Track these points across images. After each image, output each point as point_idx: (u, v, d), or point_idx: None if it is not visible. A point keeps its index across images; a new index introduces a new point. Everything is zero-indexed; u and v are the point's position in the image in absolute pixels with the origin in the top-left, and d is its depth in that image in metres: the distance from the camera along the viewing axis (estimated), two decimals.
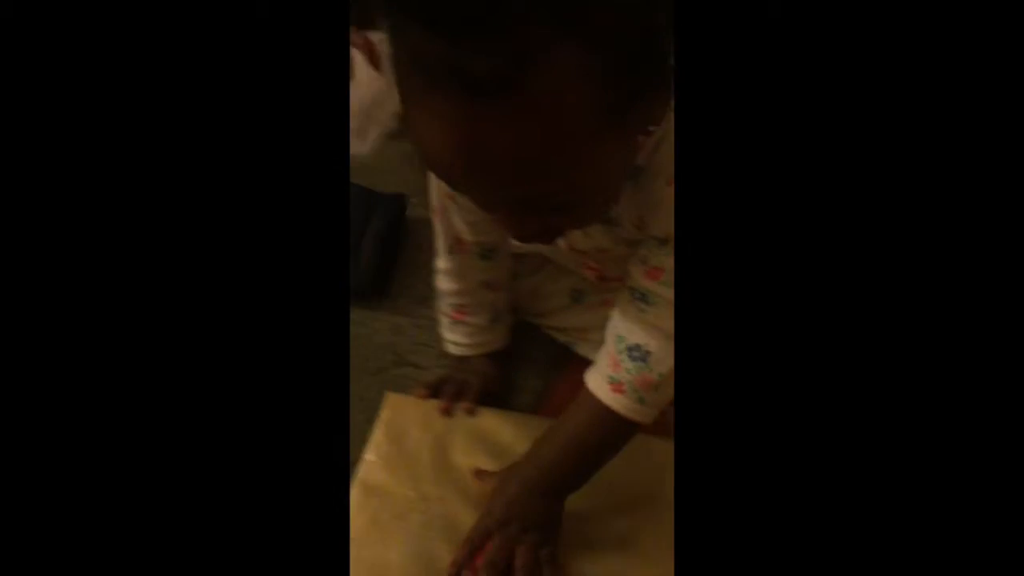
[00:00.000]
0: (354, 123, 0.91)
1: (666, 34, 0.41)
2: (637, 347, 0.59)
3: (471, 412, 0.74)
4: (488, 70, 0.36)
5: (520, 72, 0.37)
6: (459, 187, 0.46)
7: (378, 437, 0.72)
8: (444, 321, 0.78)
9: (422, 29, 0.37)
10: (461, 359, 0.78)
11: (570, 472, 0.62)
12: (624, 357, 0.59)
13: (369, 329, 0.84)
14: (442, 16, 0.36)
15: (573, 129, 0.40)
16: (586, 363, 0.77)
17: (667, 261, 0.56)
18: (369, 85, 1.03)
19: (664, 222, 0.55)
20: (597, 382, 0.61)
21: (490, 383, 0.76)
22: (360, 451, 0.71)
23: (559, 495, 0.62)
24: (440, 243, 0.72)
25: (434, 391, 0.76)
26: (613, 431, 0.61)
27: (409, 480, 0.69)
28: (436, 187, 0.67)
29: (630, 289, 0.60)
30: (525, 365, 0.81)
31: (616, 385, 0.59)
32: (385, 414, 0.74)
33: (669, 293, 0.57)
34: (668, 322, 0.57)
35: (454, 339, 0.77)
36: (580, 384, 0.76)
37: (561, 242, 0.66)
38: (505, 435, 0.73)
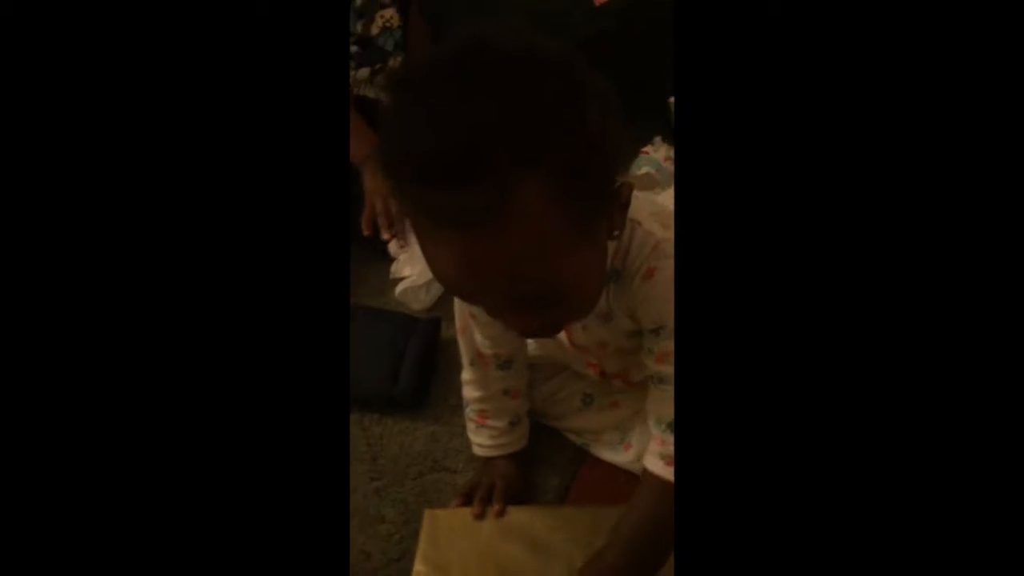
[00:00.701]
0: (420, 280, 1.07)
1: (616, 154, 0.53)
2: (672, 423, 0.68)
3: (501, 514, 0.83)
4: (476, 207, 0.47)
5: (501, 203, 0.47)
6: (470, 299, 0.57)
7: (425, 549, 0.80)
8: (470, 426, 0.89)
9: (419, 185, 0.49)
10: (487, 461, 0.88)
11: (650, 552, 0.70)
12: (667, 434, 0.69)
13: (410, 438, 0.96)
14: (432, 173, 0.47)
15: (549, 239, 0.50)
16: (600, 462, 0.88)
17: (667, 344, 0.66)
18: None
19: (652, 313, 0.66)
20: (652, 462, 0.70)
21: (513, 482, 0.86)
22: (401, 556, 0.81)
23: None
24: (464, 357, 0.84)
25: (467, 499, 0.86)
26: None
27: None
28: (459, 309, 0.81)
29: (649, 377, 0.70)
30: (544, 466, 0.90)
31: (668, 460, 0.68)
32: (427, 527, 0.82)
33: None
34: None
35: (479, 441, 0.88)
36: (596, 481, 0.86)
37: (564, 339, 0.77)
38: (540, 528, 0.81)
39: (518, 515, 0.83)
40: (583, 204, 0.52)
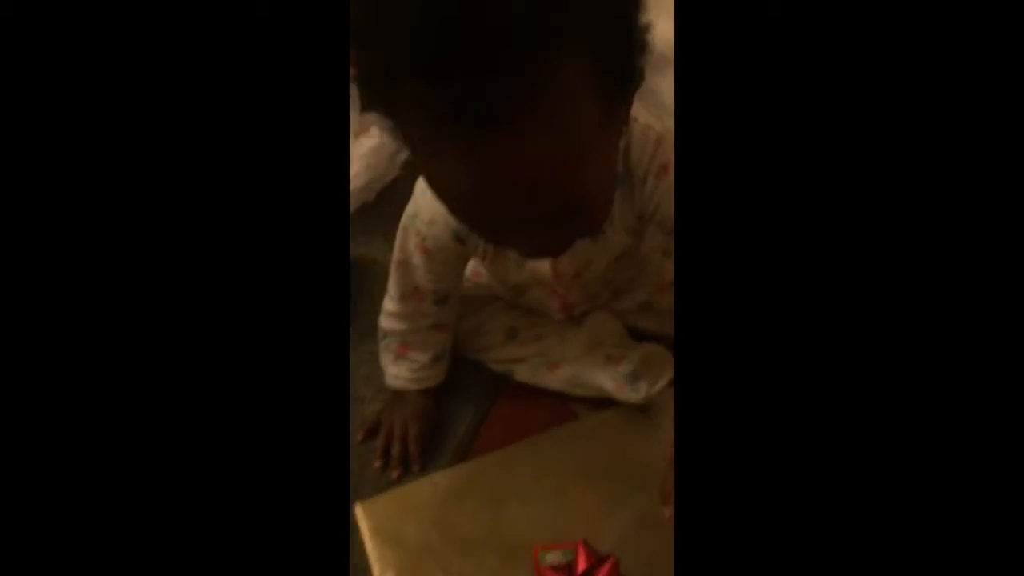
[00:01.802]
0: None
1: (643, 31, 0.43)
2: None
3: (419, 469, 0.79)
4: (498, 101, 0.37)
5: (532, 95, 0.38)
6: (474, 217, 0.48)
7: (380, 552, 0.71)
8: (387, 356, 0.82)
9: (415, 75, 0.38)
10: (397, 393, 0.83)
11: None
12: None
13: None
14: (438, 59, 0.37)
15: (581, 137, 0.42)
16: (518, 392, 0.86)
17: None
18: None
19: (671, 214, 0.60)
20: None
21: (427, 418, 0.82)
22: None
23: None
24: (394, 289, 0.77)
25: (370, 433, 0.81)
26: None
27: (439, 570, 0.70)
28: (404, 240, 0.73)
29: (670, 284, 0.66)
30: (459, 397, 0.87)
31: None
32: (367, 525, 0.73)
33: None
34: None
35: (396, 373, 0.82)
36: (515, 410, 0.85)
37: (545, 265, 0.71)
38: (491, 480, 0.76)
39: (461, 472, 0.78)
40: (615, 91, 0.43)
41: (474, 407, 0.86)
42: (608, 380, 0.79)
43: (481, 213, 0.47)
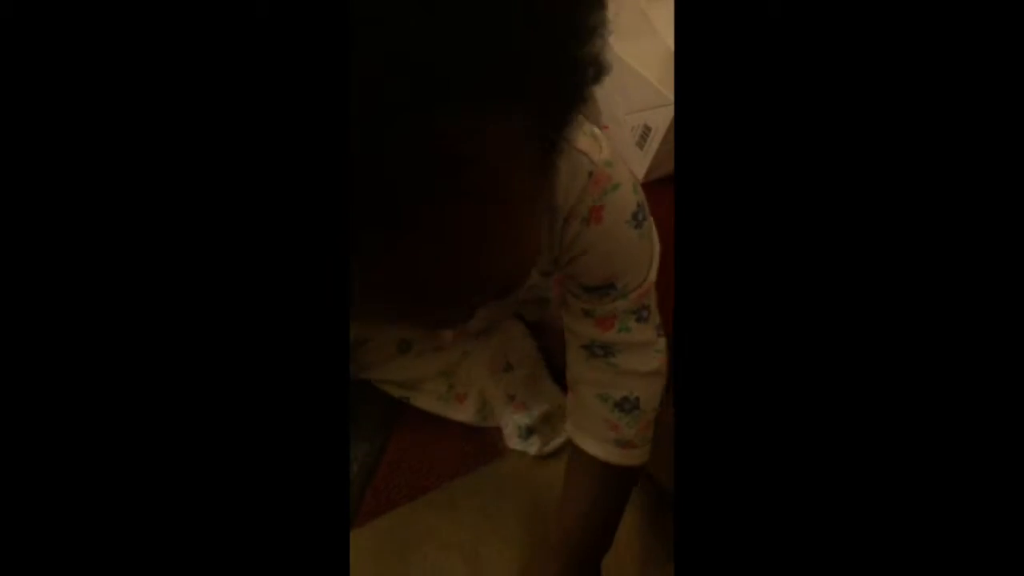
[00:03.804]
0: None
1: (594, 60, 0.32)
2: (625, 400, 0.54)
3: None
4: (413, 191, 0.28)
5: (453, 180, 0.28)
6: (382, 310, 0.37)
7: None
8: None
9: None
10: None
11: (601, 544, 0.58)
12: (618, 415, 0.55)
13: None
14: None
15: (520, 203, 0.32)
16: (418, 421, 0.72)
17: (612, 306, 0.51)
18: None
19: (602, 267, 0.49)
20: (607, 450, 0.55)
21: None
22: None
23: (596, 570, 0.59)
24: None
25: None
26: (627, 482, 0.58)
27: None
28: None
29: (585, 348, 0.54)
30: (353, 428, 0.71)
31: (626, 444, 0.55)
32: None
33: (630, 336, 0.52)
34: (638, 361, 0.54)
35: None
36: (418, 443, 0.71)
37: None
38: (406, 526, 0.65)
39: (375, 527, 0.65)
40: (553, 141, 0.33)
41: (367, 442, 0.71)
42: (506, 423, 0.71)
43: (385, 303, 0.35)
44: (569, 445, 0.59)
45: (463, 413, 0.72)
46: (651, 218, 0.51)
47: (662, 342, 0.56)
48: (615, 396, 0.54)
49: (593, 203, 0.46)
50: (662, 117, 0.93)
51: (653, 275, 0.52)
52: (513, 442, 0.70)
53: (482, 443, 0.72)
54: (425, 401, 0.72)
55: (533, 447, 0.70)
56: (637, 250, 0.50)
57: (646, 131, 0.95)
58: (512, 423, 0.70)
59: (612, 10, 0.33)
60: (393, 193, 0.27)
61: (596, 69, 0.31)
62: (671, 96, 0.88)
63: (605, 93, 0.99)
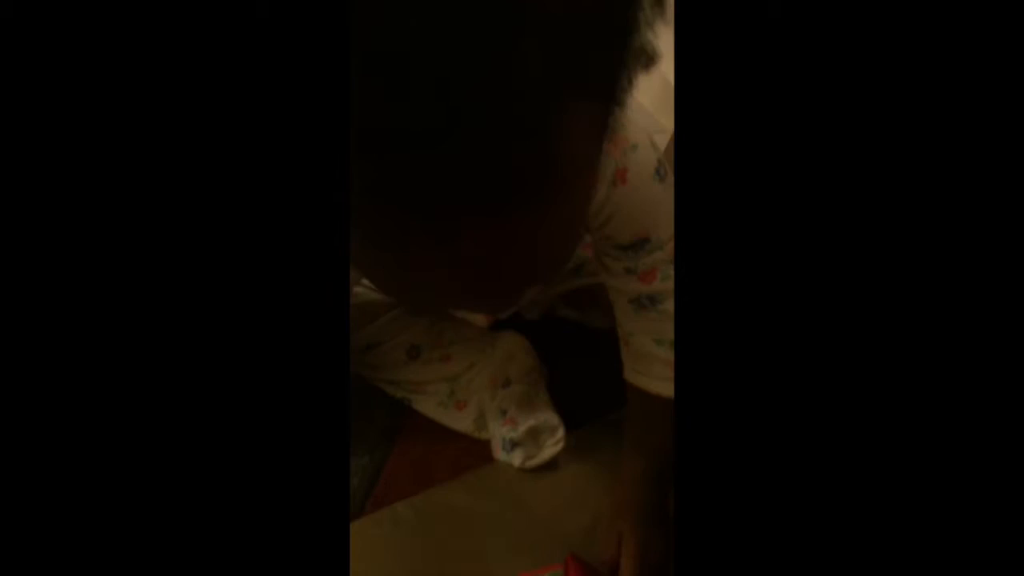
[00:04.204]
0: None
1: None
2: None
3: None
4: (515, 174, 0.28)
5: (541, 176, 0.29)
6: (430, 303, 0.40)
7: None
8: None
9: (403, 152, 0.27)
10: None
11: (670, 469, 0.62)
12: (672, 352, 0.58)
13: None
14: (426, 131, 0.26)
15: (582, 208, 0.34)
16: (417, 436, 0.74)
17: (656, 256, 0.54)
18: None
19: (632, 225, 0.52)
20: (668, 387, 0.59)
21: None
22: None
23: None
24: None
25: None
26: None
27: None
28: None
29: (633, 302, 0.57)
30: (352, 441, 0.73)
31: None
32: None
33: (672, 283, 0.55)
34: None
35: None
36: (420, 454, 0.73)
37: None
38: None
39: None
40: (608, 128, 0.34)
41: (367, 456, 0.73)
42: (494, 435, 0.73)
43: (434, 298, 0.37)
44: (628, 389, 0.63)
45: (461, 422, 0.74)
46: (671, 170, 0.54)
47: None
48: (669, 337, 0.58)
49: (616, 166, 0.49)
50: (659, 142, 0.96)
51: None
52: (498, 453, 0.72)
53: (480, 456, 0.73)
54: (426, 405, 0.74)
55: (516, 460, 0.71)
56: (665, 202, 0.53)
57: None
58: (499, 435, 0.72)
59: None
60: (488, 187, 0.28)
61: (648, 58, 0.33)
62: (669, 124, 0.91)
63: None
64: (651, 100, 0.94)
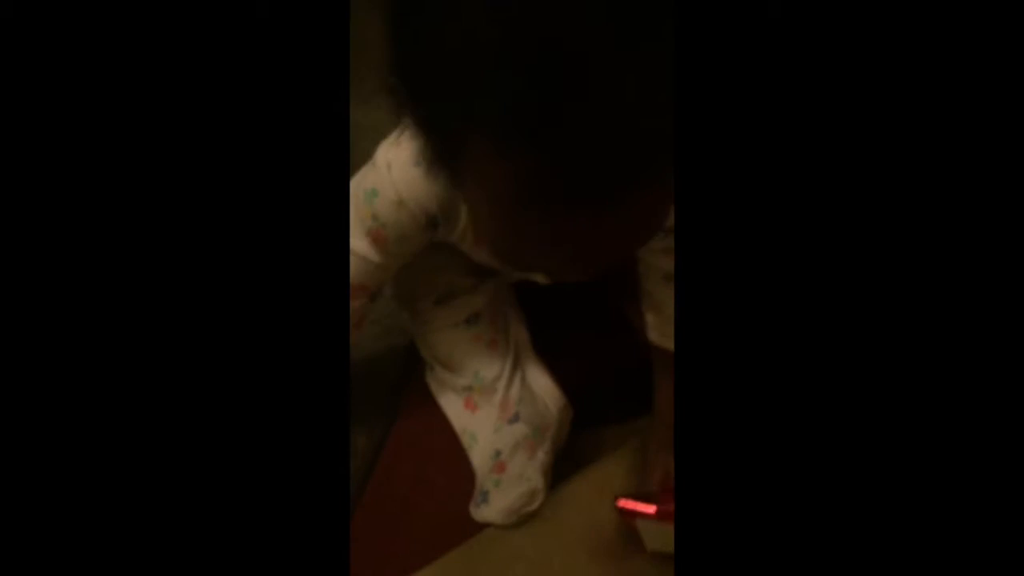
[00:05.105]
0: None
1: None
2: None
3: None
4: (608, 178, 0.33)
5: (645, 166, 0.34)
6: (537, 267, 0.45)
7: None
8: None
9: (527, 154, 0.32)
10: None
11: None
12: None
13: None
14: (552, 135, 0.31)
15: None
16: (414, 418, 0.72)
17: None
18: None
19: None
20: None
21: None
22: None
23: None
24: None
25: None
26: None
27: None
28: (355, 225, 0.57)
29: (667, 277, 0.62)
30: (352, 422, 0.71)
31: None
32: None
33: None
34: None
35: None
36: (417, 435, 0.71)
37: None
38: None
39: None
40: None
41: (365, 435, 0.71)
42: (478, 479, 0.69)
43: (546, 264, 0.45)
44: (654, 351, 0.66)
45: (459, 420, 0.72)
46: None
47: None
48: None
49: None
50: None
51: None
52: (472, 504, 0.68)
53: None
54: (436, 380, 0.74)
55: (479, 513, 0.67)
56: None
57: None
58: (478, 477, 0.69)
59: None
60: (610, 175, 0.32)
61: None
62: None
63: None
64: None
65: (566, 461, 0.69)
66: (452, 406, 0.72)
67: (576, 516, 0.66)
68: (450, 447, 0.71)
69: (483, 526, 0.66)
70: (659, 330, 0.65)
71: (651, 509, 0.59)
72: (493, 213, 0.38)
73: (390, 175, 0.53)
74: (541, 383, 0.72)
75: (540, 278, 0.66)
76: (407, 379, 0.75)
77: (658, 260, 0.62)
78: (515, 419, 0.69)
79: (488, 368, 0.71)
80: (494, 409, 0.70)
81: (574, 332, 0.75)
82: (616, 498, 0.62)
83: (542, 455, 0.67)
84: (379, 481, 0.70)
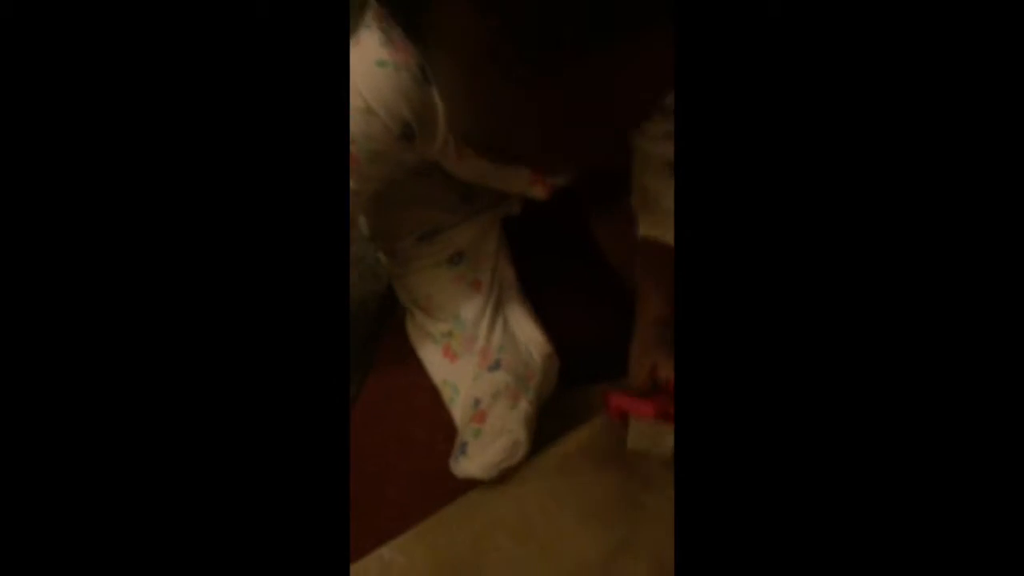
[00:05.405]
0: None
1: None
2: None
3: None
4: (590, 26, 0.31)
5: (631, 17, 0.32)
6: (518, 150, 0.43)
7: None
8: None
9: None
10: None
11: None
12: None
13: None
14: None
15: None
16: (389, 374, 0.68)
17: None
18: None
19: None
20: None
21: None
22: None
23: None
24: None
25: None
26: None
27: None
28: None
29: (668, 164, 0.59)
30: None
31: None
32: None
33: None
34: None
35: None
36: (389, 395, 0.67)
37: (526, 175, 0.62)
38: None
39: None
40: None
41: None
42: (459, 427, 0.65)
43: (526, 143, 0.41)
44: (641, 245, 0.63)
45: (437, 370, 0.68)
46: None
47: None
48: None
49: None
50: None
51: None
52: (451, 457, 0.63)
53: None
54: (415, 325, 0.69)
55: (458, 467, 0.62)
56: None
57: None
58: (460, 430, 0.64)
59: None
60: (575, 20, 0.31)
61: None
62: None
63: None
64: None
65: (552, 420, 0.64)
66: (431, 356, 0.67)
67: (562, 480, 0.62)
68: (430, 402, 0.66)
69: (465, 487, 0.62)
70: (647, 220, 0.63)
71: (648, 410, 0.56)
72: (465, 80, 0.36)
73: (352, 80, 0.48)
74: (525, 329, 0.67)
75: (531, 190, 0.63)
76: (383, 328, 0.70)
77: (659, 147, 0.59)
78: (496, 366, 0.64)
79: (469, 309, 0.66)
80: (474, 357, 0.65)
81: (567, 283, 0.70)
82: (605, 393, 0.58)
83: (524, 405, 0.62)
84: (351, 439, 0.65)
